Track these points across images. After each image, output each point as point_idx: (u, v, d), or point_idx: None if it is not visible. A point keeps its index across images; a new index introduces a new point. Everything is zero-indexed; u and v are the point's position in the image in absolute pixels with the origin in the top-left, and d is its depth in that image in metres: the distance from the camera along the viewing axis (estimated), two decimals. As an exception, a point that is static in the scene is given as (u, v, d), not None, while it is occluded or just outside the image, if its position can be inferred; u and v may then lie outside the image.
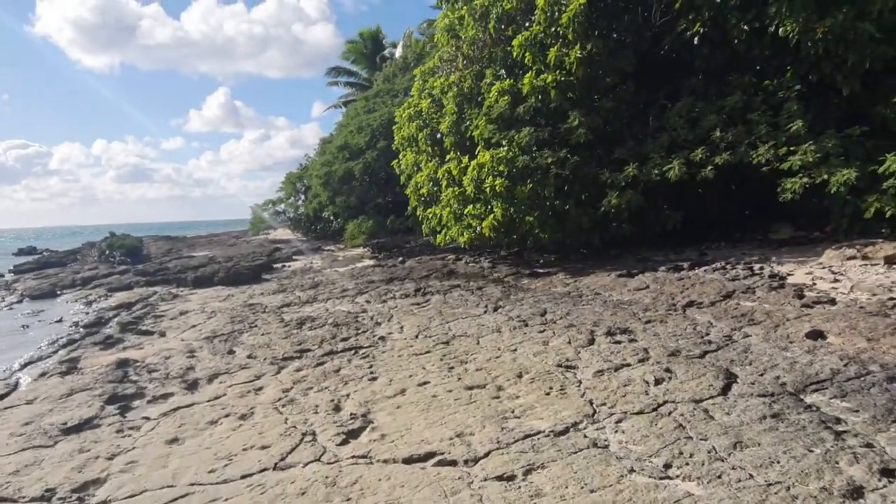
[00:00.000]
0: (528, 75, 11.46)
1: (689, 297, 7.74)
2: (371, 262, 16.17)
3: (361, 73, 40.17)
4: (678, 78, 11.92)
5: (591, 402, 4.73)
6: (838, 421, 3.95)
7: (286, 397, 5.46)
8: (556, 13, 11.00)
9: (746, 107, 10.15)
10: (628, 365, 5.49)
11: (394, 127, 16.43)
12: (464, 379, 5.61)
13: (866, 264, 8.20)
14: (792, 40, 9.63)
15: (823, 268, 8.48)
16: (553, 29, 11.22)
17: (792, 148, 9.14)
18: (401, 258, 15.86)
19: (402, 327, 8.05)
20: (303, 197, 30.34)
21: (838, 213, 9.67)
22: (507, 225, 11.22)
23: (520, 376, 5.58)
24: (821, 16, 9.38)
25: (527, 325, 7.39)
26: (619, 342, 6.23)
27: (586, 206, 11.29)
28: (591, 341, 6.36)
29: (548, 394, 5.06)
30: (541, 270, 11.62)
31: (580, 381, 5.24)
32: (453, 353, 6.55)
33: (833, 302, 6.80)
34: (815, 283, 7.81)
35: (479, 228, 11.50)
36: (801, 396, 4.42)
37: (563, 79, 11.04)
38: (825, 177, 8.70)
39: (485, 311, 8.53)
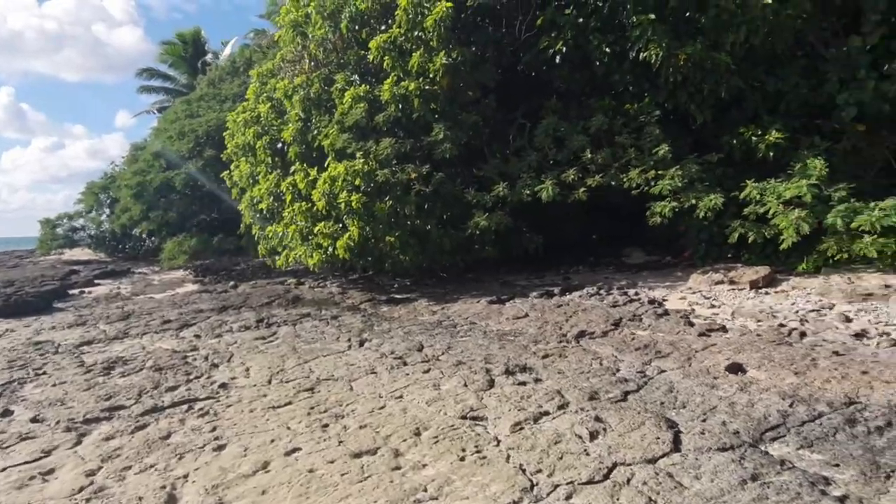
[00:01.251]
0: (387, 81, 10.42)
1: (577, 327, 7.08)
2: (195, 287, 13.93)
3: (180, 79, 36.54)
4: (537, 97, 11.61)
5: (523, 470, 3.69)
6: (827, 481, 3.28)
7: (92, 486, 3.78)
8: (420, 16, 10.11)
9: (610, 129, 9.99)
10: (547, 413, 4.54)
11: (225, 134, 14.46)
12: (346, 442, 4.31)
13: (734, 289, 8.18)
14: (654, 66, 9.64)
15: (694, 293, 8.36)
16: (415, 33, 10.31)
17: (660, 172, 9.04)
18: (232, 282, 13.85)
19: (248, 370, 6.47)
20: (108, 211, 26.31)
21: (696, 238, 9.78)
22: (363, 245, 9.98)
23: (418, 434, 4.40)
24: (681, 44, 9.48)
25: (406, 364, 6.21)
26: (523, 383, 5.29)
27: (448, 227, 10.44)
28: (491, 383, 5.36)
29: (462, 459, 3.93)
30: (399, 296, 10.52)
31: (497, 439, 4.18)
32: (323, 403, 5.19)
33: (724, 329, 6.50)
34: (693, 309, 7.57)
35: (331, 249, 10.12)
36: (763, 447, 3.75)
37: (426, 87, 10.15)
38: (693, 201, 8.65)
39: (349, 346, 7.20)
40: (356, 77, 11.64)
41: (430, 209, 10.39)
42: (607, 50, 10.34)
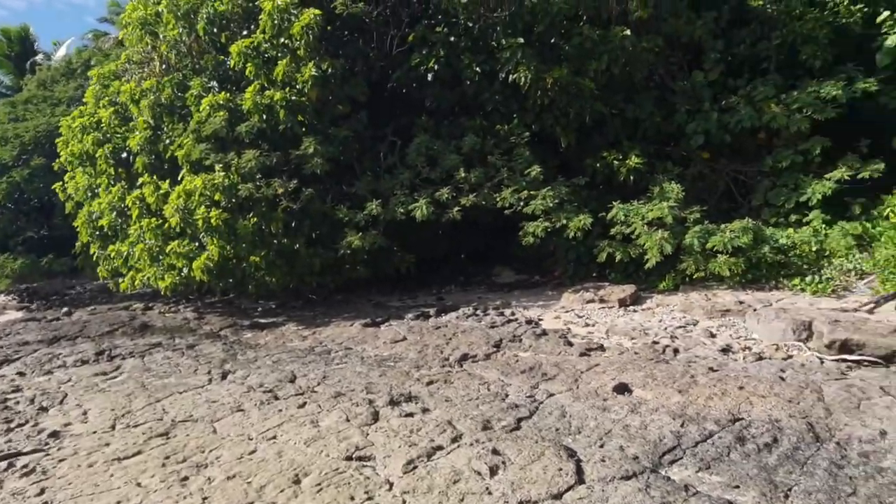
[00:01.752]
0: (249, 90, 9.69)
1: (458, 349, 6.86)
2: (20, 315, 12.06)
3: (3, 80, 32.31)
4: (408, 114, 11.43)
5: (424, 518, 3.33)
6: (733, 506, 3.26)
7: None
8: (286, 22, 9.54)
9: (482, 149, 10.02)
10: (441, 448, 4.22)
11: (58, 141, 12.76)
12: (212, 498, 3.72)
13: (604, 307, 8.42)
14: (523, 88, 9.82)
15: (568, 311, 8.50)
16: (281, 40, 9.72)
17: (532, 192, 9.16)
18: (65, 309, 12.16)
19: (85, 413, 5.54)
20: None
21: (565, 257, 10.02)
22: (224, 266, 9.13)
23: (297, 481, 3.91)
24: (548, 68, 9.74)
25: (277, 398, 5.62)
26: (410, 414, 4.94)
27: (318, 246, 9.87)
28: (376, 416, 4.94)
29: (353, 509, 3.51)
30: (264, 321, 9.73)
31: (389, 482, 3.79)
32: (181, 451, 4.50)
33: (603, 348, 6.59)
34: (570, 329, 7.66)
35: (186, 270, 9.15)
36: (664, 472, 3.70)
37: (293, 98, 9.56)
38: (563, 221, 8.84)
39: (210, 380, 6.44)
40: (214, 83, 10.75)
41: (297, 227, 9.76)
42: (478, 70, 10.40)
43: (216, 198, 9.06)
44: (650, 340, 6.63)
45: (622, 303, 8.40)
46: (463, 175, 9.36)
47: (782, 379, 5.05)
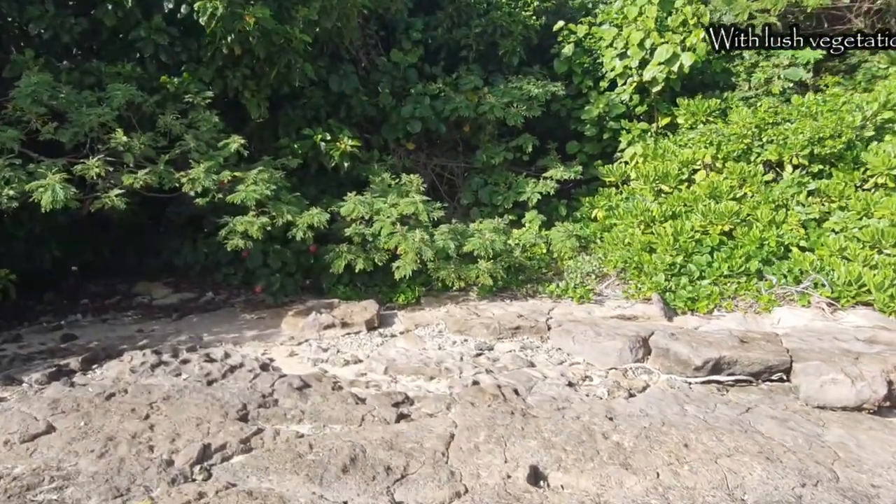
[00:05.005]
0: None
1: (181, 439, 3.87)
2: None
3: None
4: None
5: None
6: None
7: None
8: None
9: (148, 106, 6.66)
10: None
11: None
12: None
13: (349, 333, 6.28)
14: (210, 28, 6.85)
15: (300, 343, 6.06)
16: None
17: (236, 174, 6.36)
18: None
19: None
20: None
21: (266, 266, 7.40)
22: None
23: None
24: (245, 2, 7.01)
25: None
26: None
27: None
28: None
29: None
30: None
31: None
32: None
33: (410, 400, 4.55)
34: (328, 372, 5.32)
35: None
36: None
37: None
38: (289, 217, 6.34)
39: None
40: None
41: None
42: (128, -9, 6.92)
43: None
44: (465, 379, 4.87)
45: (369, 325, 6.39)
46: (123, 140, 5.89)
47: (706, 422, 3.92)
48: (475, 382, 4.78)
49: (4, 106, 6.24)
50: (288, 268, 7.49)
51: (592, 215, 8.74)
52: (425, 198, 6.95)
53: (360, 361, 5.50)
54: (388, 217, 6.68)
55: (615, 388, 4.64)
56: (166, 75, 7.19)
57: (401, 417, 4.20)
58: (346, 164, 7.93)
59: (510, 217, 8.57)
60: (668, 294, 6.82)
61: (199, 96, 7.02)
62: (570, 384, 4.74)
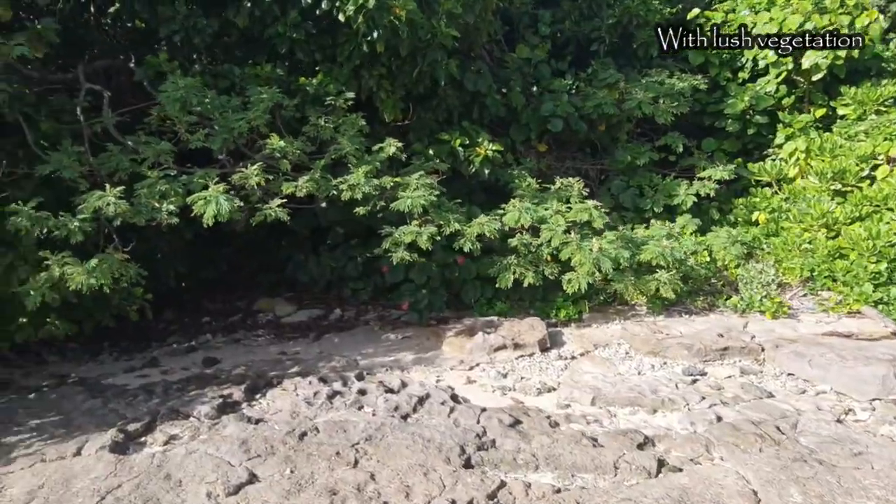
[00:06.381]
0: None
1: (405, 493, 3.25)
2: None
3: None
4: (114, 50, 6.71)
5: None
6: None
7: None
8: None
9: (296, 109, 6.18)
10: None
11: None
12: None
13: (522, 355, 5.59)
14: (354, 22, 6.33)
15: (472, 368, 5.41)
16: None
17: (397, 180, 5.80)
18: None
19: None
20: None
21: (413, 282, 6.81)
22: None
23: None
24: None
25: None
26: None
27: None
28: None
29: None
30: None
31: None
32: None
33: (650, 441, 3.81)
34: (521, 402, 4.65)
35: None
36: None
37: None
38: (456, 227, 5.74)
39: None
40: None
41: None
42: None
43: None
44: (700, 412, 4.11)
45: (542, 345, 5.70)
46: (280, 145, 5.39)
47: None
48: (719, 418, 4.02)
49: (147, 112, 5.84)
50: (432, 282, 6.89)
51: (753, 219, 7.85)
52: (597, 203, 6.21)
53: (554, 389, 4.81)
54: (559, 225, 5.96)
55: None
56: (303, 76, 6.71)
57: (661, 465, 3.48)
58: (486, 171, 7.30)
59: (659, 222, 7.77)
60: (880, 307, 5.91)
61: (339, 98, 6.50)
62: (839, 420, 3.92)
